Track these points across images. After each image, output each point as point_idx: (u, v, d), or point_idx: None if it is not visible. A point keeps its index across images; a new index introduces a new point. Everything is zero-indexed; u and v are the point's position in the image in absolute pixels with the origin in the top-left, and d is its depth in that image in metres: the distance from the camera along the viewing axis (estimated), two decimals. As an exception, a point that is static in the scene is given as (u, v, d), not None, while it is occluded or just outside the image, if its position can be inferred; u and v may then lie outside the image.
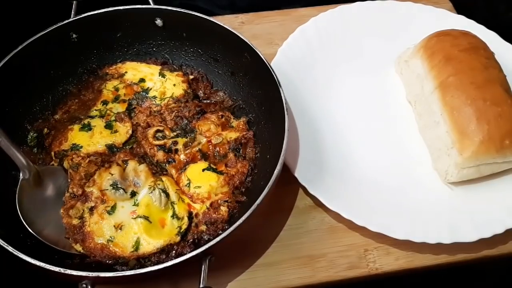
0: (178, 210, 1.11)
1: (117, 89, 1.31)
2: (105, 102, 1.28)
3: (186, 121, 1.27)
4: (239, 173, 1.18)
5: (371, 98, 1.44)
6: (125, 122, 1.25)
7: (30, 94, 1.25)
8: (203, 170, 1.17)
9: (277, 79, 1.17)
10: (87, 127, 1.23)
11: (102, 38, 1.34)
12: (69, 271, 0.92)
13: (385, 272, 1.17)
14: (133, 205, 1.10)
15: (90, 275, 0.92)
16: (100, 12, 1.29)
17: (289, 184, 1.24)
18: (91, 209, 1.09)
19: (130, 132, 1.25)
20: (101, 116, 1.26)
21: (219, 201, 1.14)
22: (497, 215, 1.19)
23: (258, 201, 1.01)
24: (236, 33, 1.25)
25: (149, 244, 1.06)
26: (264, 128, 1.25)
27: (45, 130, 1.24)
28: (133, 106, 1.30)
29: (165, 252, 1.07)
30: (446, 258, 1.19)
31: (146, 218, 1.08)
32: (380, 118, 1.40)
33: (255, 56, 1.22)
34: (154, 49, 1.38)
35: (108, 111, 1.27)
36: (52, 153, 1.20)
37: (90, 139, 1.21)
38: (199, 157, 1.21)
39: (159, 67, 1.35)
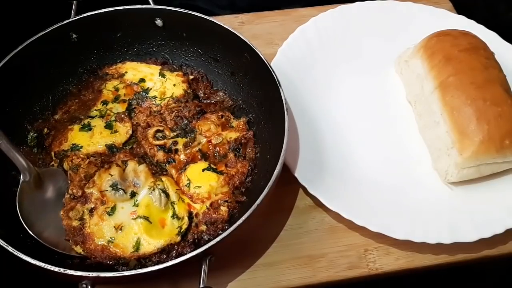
0: (178, 210, 1.11)
1: (117, 89, 1.31)
2: (105, 102, 1.28)
3: (186, 121, 1.27)
4: (239, 173, 1.18)
5: (371, 98, 1.44)
6: (125, 122, 1.25)
7: (30, 94, 1.25)
8: (203, 170, 1.17)
9: (277, 79, 1.17)
10: (87, 127, 1.23)
11: (102, 38, 1.34)
12: (69, 271, 0.92)
13: (385, 272, 1.17)
14: (133, 206, 1.10)
15: (90, 275, 0.92)
16: (100, 12, 1.29)
17: (289, 184, 1.24)
18: (91, 211, 1.09)
19: (130, 132, 1.25)
20: (101, 116, 1.26)
21: (219, 201, 1.14)
22: (497, 215, 1.19)
23: (258, 201, 1.01)
24: (236, 33, 1.25)
25: (150, 244, 1.06)
26: (264, 128, 1.25)
27: (45, 130, 1.24)
28: (133, 106, 1.30)
29: (165, 252, 1.07)
30: (446, 258, 1.19)
31: (146, 218, 1.08)
32: (380, 118, 1.40)
33: (255, 56, 1.22)
34: (154, 49, 1.38)
35: (108, 111, 1.27)
36: (52, 153, 1.20)
37: (90, 139, 1.21)
38: (199, 157, 1.21)
39: (159, 67, 1.35)
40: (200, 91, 1.35)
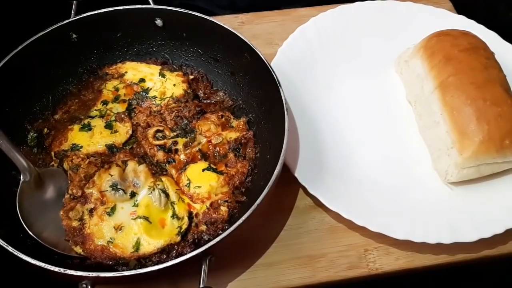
0: (178, 210, 1.11)
1: (117, 89, 1.31)
2: (105, 102, 1.28)
3: (186, 121, 1.27)
4: (239, 173, 1.18)
5: (371, 98, 1.44)
6: (125, 122, 1.25)
7: (30, 94, 1.25)
8: (203, 170, 1.17)
9: (277, 79, 1.17)
10: (87, 127, 1.23)
11: (102, 38, 1.33)
12: (69, 271, 0.92)
13: (385, 272, 1.17)
14: (132, 206, 1.10)
15: (90, 275, 0.92)
16: (100, 12, 1.29)
17: (289, 184, 1.24)
18: (91, 211, 1.09)
19: (130, 132, 1.25)
20: (101, 116, 1.26)
21: (219, 201, 1.14)
22: (497, 215, 1.19)
23: (258, 201, 1.01)
24: (236, 33, 1.25)
25: (150, 245, 1.06)
26: (264, 128, 1.25)
27: (45, 130, 1.24)
28: (133, 106, 1.30)
29: (165, 252, 1.07)
30: (446, 258, 1.19)
31: (146, 218, 1.08)
32: (380, 118, 1.40)
33: (255, 56, 1.22)
34: (154, 49, 1.38)
35: (108, 111, 1.27)
36: (52, 153, 1.20)
37: (90, 139, 1.21)
38: (199, 157, 1.21)
39: (159, 67, 1.35)
40: (200, 91, 1.35)
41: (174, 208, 1.11)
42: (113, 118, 1.25)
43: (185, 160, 1.20)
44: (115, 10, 1.29)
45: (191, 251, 0.96)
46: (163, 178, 1.14)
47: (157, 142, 1.22)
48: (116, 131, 1.24)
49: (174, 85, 1.32)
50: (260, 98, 1.27)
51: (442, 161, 1.26)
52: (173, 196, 1.12)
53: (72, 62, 1.32)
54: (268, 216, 1.21)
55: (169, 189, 1.13)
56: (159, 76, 1.33)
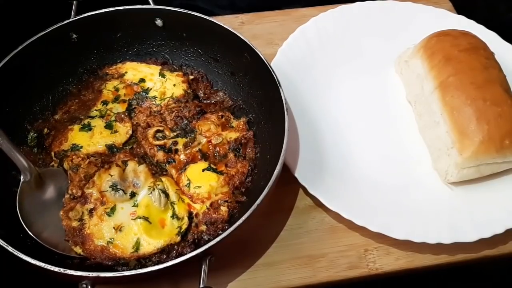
0: (178, 210, 1.11)
1: (117, 89, 1.31)
2: (105, 102, 1.28)
3: (186, 121, 1.27)
4: (239, 173, 1.18)
5: (371, 98, 1.44)
6: (125, 122, 1.25)
7: (30, 94, 1.25)
8: (203, 170, 1.17)
9: (277, 79, 1.17)
10: (87, 127, 1.23)
11: (102, 38, 1.34)
12: (69, 271, 0.92)
13: (385, 272, 1.17)
14: (132, 206, 1.09)
15: (90, 275, 0.92)
16: (100, 12, 1.29)
17: (289, 184, 1.24)
18: (91, 211, 1.09)
19: (130, 132, 1.25)
20: (101, 116, 1.26)
21: (219, 201, 1.14)
22: (497, 215, 1.19)
23: (258, 201, 1.01)
24: (236, 33, 1.25)
25: (150, 245, 1.06)
26: (264, 128, 1.25)
27: (45, 130, 1.24)
28: (133, 106, 1.30)
29: (165, 252, 1.07)
30: (446, 258, 1.19)
31: (146, 218, 1.08)
32: (380, 118, 1.40)
33: (255, 56, 1.22)
34: (154, 49, 1.38)
35: (108, 111, 1.27)
36: (52, 153, 1.20)
37: (90, 139, 1.21)
38: (199, 157, 1.21)
39: (159, 67, 1.35)
40: (200, 91, 1.35)
41: (174, 208, 1.11)
42: (113, 118, 1.25)
43: (185, 160, 1.20)
44: (115, 10, 1.29)
45: (191, 251, 0.96)
46: (163, 178, 1.14)
47: (157, 142, 1.22)
48: (116, 131, 1.24)
49: (174, 85, 1.32)
50: (260, 98, 1.27)
51: (442, 161, 1.26)
52: (173, 196, 1.12)
53: (72, 62, 1.32)
54: (268, 216, 1.21)
55: (169, 189, 1.13)
56: (159, 76, 1.33)
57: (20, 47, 1.20)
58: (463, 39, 1.33)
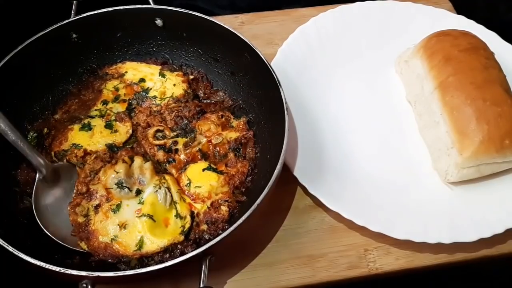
0: (181, 209, 1.11)
1: (117, 89, 1.31)
2: (105, 102, 1.28)
3: (186, 121, 1.27)
4: (239, 173, 1.18)
5: (371, 98, 1.44)
6: (125, 122, 1.25)
7: (30, 94, 1.25)
8: (203, 170, 1.17)
9: (277, 79, 1.17)
10: (87, 127, 1.23)
11: (102, 38, 1.33)
12: (69, 271, 0.92)
13: (385, 272, 1.17)
14: (138, 203, 1.09)
15: (91, 275, 0.92)
16: (100, 12, 1.29)
17: (289, 184, 1.24)
18: (96, 207, 1.09)
19: (130, 132, 1.25)
20: (101, 116, 1.26)
21: (219, 200, 1.14)
22: (497, 215, 1.19)
23: (258, 201, 1.01)
24: (236, 33, 1.25)
25: (153, 243, 1.06)
26: (264, 128, 1.25)
27: (45, 130, 1.24)
28: (133, 106, 1.30)
29: (168, 251, 1.07)
30: (446, 258, 1.19)
31: (150, 217, 1.07)
32: (380, 118, 1.40)
33: (255, 56, 1.22)
34: (154, 49, 1.38)
35: (108, 111, 1.27)
36: (52, 153, 1.20)
37: (90, 139, 1.21)
38: (199, 157, 1.21)
39: (159, 67, 1.35)
40: (200, 91, 1.35)
41: (176, 208, 1.11)
42: (113, 118, 1.25)
43: (185, 160, 1.20)
44: (115, 10, 1.29)
45: (191, 251, 0.96)
46: (167, 177, 1.14)
47: (157, 142, 1.22)
48: (116, 131, 1.24)
49: (174, 85, 1.32)
50: (260, 98, 1.27)
51: (442, 161, 1.26)
52: (175, 195, 1.12)
53: (72, 62, 1.32)
54: (268, 216, 1.21)
55: (171, 188, 1.13)
56: (159, 76, 1.33)
57: (20, 47, 1.20)
58: (463, 39, 1.33)
